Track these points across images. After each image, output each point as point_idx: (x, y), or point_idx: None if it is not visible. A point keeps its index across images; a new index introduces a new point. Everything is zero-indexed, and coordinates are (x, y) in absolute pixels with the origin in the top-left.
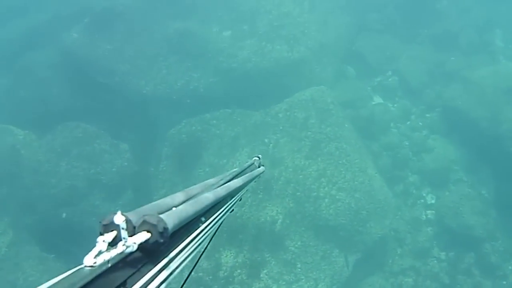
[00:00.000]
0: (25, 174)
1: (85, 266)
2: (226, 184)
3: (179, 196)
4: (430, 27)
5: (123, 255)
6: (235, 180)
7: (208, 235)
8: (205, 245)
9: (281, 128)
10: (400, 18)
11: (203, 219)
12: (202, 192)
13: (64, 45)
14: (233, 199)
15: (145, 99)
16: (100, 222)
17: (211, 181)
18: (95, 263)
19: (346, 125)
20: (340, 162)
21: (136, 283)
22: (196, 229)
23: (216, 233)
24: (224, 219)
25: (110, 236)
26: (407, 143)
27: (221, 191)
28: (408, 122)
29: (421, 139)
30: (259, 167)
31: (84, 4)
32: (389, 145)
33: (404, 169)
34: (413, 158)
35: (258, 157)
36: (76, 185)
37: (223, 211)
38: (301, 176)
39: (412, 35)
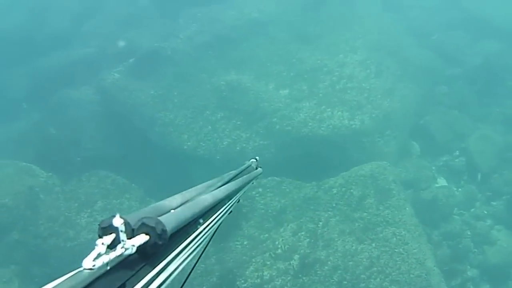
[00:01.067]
0: (40, 221)
1: (84, 269)
2: (224, 186)
3: (177, 199)
4: (503, 106)
5: (122, 258)
6: (233, 182)
7: (207, 237)
8: (204, 247)
9: (334, 205)
10: (471, 93)
11: (201, 221)
12: (200, 194)
13: (104, 85)
14: (231, 201)
15: (185, 155)
16: (98, 225)
17: (208, 183)
18: (94, 265)
19: (406, 208)
20: (397, 250)
21: (135, 285)
22: (195, 231)
23: (214, 235)
24: (222, 221)
25: (109, 239)
26: (469, 233)
27: (219, 193)
28: (472, 209)
29: (485, 230)
30: (256, 168)
31: (131, 42)
32: (450, 234)
33: (463, 262)
34: (474, 250)
35: (256, 159)
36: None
37: (221, 213)
38: (350, 263)
39: (483, 113)
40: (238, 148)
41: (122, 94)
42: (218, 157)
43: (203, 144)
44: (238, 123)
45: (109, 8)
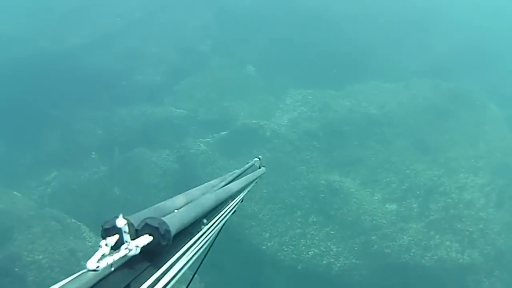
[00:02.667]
0: None
1: (88, 270)
2: (227, 186)
3: (180, 199)
4: None
5: (126, 259)
6: (236, 182)
7: (211, 237)
8: (208, 247)
9: None
10: None
11: (205, 221)
12: (203, 194)
13: (186, 154)
14: (234, 200)
15: (262, 256)
16: (102, 226)
17: (212, 183)
18: (98, 267)
19: None
20: None
21: (139, 286)
22: (198, 231)
23: (219, 234)
24: (226, 221)
25: (112, 239)
26: None
27: (223, 193)
28: None
29: None
30: (259, 168)
31: (227, 113)
32: None
33: None
34: None
35: (259, 158)
36: None
37: (225, 212)
38: None
39: None
40: (324, 262)
41: (204, 169)
42: (299, 267)
43: (286, 249)
44: (332, 232)
45: (210, 68)
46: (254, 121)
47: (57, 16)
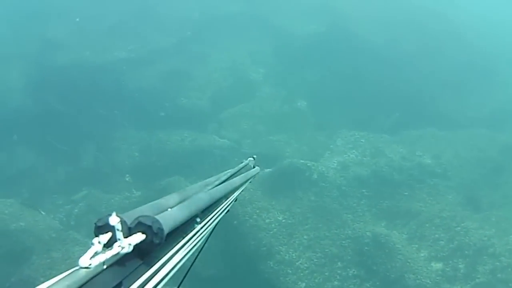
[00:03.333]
0: None
1: (81, 268)
2: (221, 185)
3: (174, 197)
4: None
5: (118, 257)
6: (230, 181)
7: (204, 235)
8: (201, 246)
9: None
10: None
11: (198, 219)
12: (197, 193)
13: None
14: (228, 200)
15: None
16: (95, 223)
17: (206, 181)
18: (90, 264)
19: None
20: None
21: (131, 284)
22: (192, 230)
23: (212, 233)
24: (219, 220)
25: (105, 237)
26: None
27: (216, 192)
28: None
29: None
30: (253, 167)
31: (273, 149)
32: None
33: None
34: None
35: (253, 158)
36: None
37: (218, 211)
38: None
39: None
40: None
41: (243, 207)
42: None
43: None
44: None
45: (259, 99)
46: (302, 161)
47: (106, 26)
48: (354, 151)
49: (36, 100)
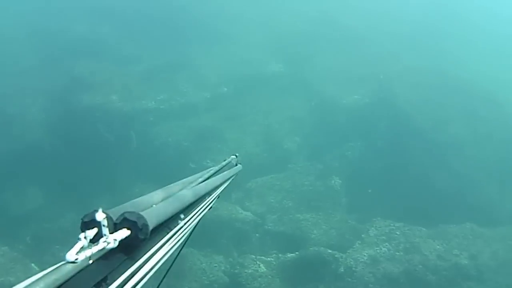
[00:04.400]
0: None
1: (67, 262)
2: (204, 182)
3: (158, 194)
4: None
5: (104, 252)
6: (213, 178)
7: (187, 231)
8: (184, 242)
9: None
10: None
11: (182, 216)
12: (181, 189)
13: (241, 272)
14: (211, 196)
15: None
16: (81, 219)
17: (189, 179)
18: (76, 259)
19: None
20: None
21: (116, 279)
22: (176, 226)
23: (195, 230)
24: (202, 216)
25: (91, 233)
26: None
27: (200, 189)
28: None
29: None
30: (236, 165)
31: (296, 231)
32: None
33: None
34: None
35: (235, 155)
36: None
37: (201, 208)
38: None
39: None
40: None
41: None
42: None
43: None
44: None
45: (291, 171)
46: (329, 250)
47: (138, 70)
48: (387, 244)
49: (53, 138)
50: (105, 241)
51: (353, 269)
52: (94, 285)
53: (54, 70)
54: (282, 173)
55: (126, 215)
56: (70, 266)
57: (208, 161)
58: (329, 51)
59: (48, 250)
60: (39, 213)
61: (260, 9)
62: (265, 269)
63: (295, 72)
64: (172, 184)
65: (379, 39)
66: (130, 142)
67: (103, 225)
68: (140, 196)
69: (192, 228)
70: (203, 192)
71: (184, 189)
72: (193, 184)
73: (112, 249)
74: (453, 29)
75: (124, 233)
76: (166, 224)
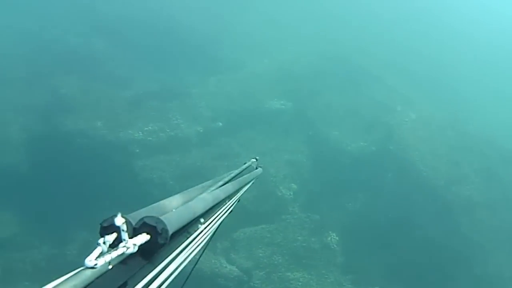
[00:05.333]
0: None
1: (87, 268)
2: (224, 186)
3: (177, 198)
4: None
5: (123, 257)
6: (233, 182)
7: (208, 235)
8: (205, 246)
9: None
10: None
11: (202, 220)
12: (200, 194)
13: None
14: (231, 200)
15: None
16: (100, 224)
17: (209, 183)
18: (96, 264)
19: None
20: None
21: (136, 284)
22: (196, 230)
23: (215, 234)
24: (223, 220)
25: (110, 238)
26: None
27: (220, 193)
28: None
29: None
30: (256, 168)
31: None
32: None
33: None
34: None
35: (256, 159)
36: None
37: (221, 212)
38: None
39: None
40: None
41: None
42: None
43: None
44: None
45: (285, 222)
46: None
47: (127, 96)
48: None
49: (32, 161)
50: (124, 246)
51: None
52: None
53: (40, 85)
54: (274, 224)
55: (146, 220)
56: (89, 271)
57: None
58: (336, 89)
59: (16, 286)
60: (12, 242)
61: (264, 35)
62: None
63: (298, 110)
64: (191, 188)
65: (392, 81)
66: (112, 175)
67: (123, 230)
68: (159, 201)
69: (212, 232)
70: (223, 196)
71: (204, 193)
72: (213, 188)
73: (132, 254)
74: (476, 75)
75: (143, 238)
76: (186, 229)
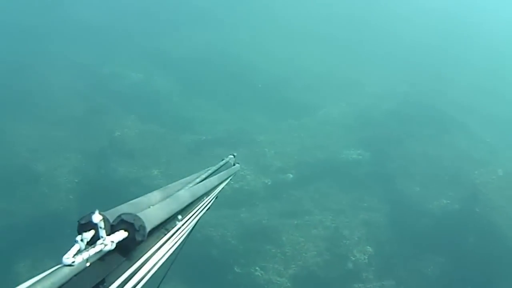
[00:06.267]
0: None
1: (64, 265)
2: (202, 183)
3: (155, 195)
4: None
5: (101, 254)
6: (211, 178)
7: (185, 232)
8: (182, 243)
9: None
10: None
11: (179, 217)
12: (178, 190)
13: None
14: (209, 197)
15: None
16: (78, 221)
17: (187, 179)
18: (73, 262)
19: None
20: None
21: (114, 281)
22: (173, 227)
23: (193, 230)
24: (200, 217)
25: (88, 235)
26: None
27: (198, 189)
28: None
29: None
30: (234, 165)
31: None
32: None
33: None
34: None
35: (233, 155)
36: None
37: (199, 209)
38: None
39: None
40: None
41: None
42: None
43: None
44: None
45: None
46: None
47: (192, 143)
48: None
49: (80, 211)
50: (102, 243)
51: None
52: None
53: (95, 125)
54: None
55: (123, 217)
56: (67, 269)
57: (257, 268)
58: (417, 138)
59: None
60: None
61: (340, 76)
62: None
63: (376, 161)
64: (169, 185)
65: (476, 128)
66: None
67: (100, 227)
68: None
69: (190, 229)
70: (200, 193)
71: (182, 190)
72: (191, 185)
73: (110, 251)
74: None
75: (121, 234)
76: (164, 225)
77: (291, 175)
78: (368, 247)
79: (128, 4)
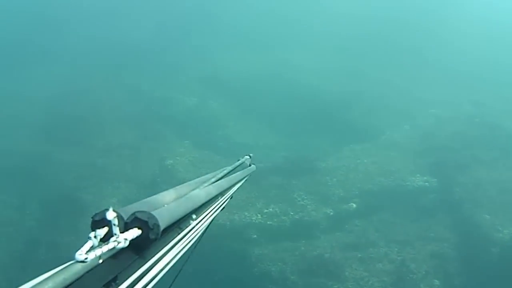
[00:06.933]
0: None
1: (77, 261)
2: (217, 182)
3: (170, 194)
4: None
5: (114, 251)
6: (226, 178)
7: (199, 232)
8: (196, 242)
9: None
10: None
11: (194, 216)
12: (193, 189)
13: None
14: (224, 197)
15: None
16: (91, 218)
17: (202, 178)
18: (86, 258)
19: None
20: None
21: (126, 279)
22: (187, 226)
23: (207, 230)
24: (215, 217)
25: (101, 232)
26: None
27: (212, 189)
28: None
29: None
30: (250, 165)
31: None
32: None
33: None
34: None
35: (249, 156)
36: None
37: (214, 209)
38: None
39: None
40: None
41: None
42: None
43: None
44: None
45: None
46: None
47: None
48: None
49: None
50: (115, 241)
51: None
52: (104, 285)
53: (146, 153)
54: None
55: (137, 215)
56: (79, 265)
57: None
58: (486, 162)
59: None
60: None
61: (404, 98)
62: None
63: (443, 188)
64: (184, 184)
65: None
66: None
67: (114, 224)
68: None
69: (204, 228)
70: (215, 193)
71: (197, 189)
72: (206, 184)
73: (123, 249)
74: None
75: (134, 232)
76: (178, 224)
77: (354, 205)
78: (436, 280)
79: (179, 27)
